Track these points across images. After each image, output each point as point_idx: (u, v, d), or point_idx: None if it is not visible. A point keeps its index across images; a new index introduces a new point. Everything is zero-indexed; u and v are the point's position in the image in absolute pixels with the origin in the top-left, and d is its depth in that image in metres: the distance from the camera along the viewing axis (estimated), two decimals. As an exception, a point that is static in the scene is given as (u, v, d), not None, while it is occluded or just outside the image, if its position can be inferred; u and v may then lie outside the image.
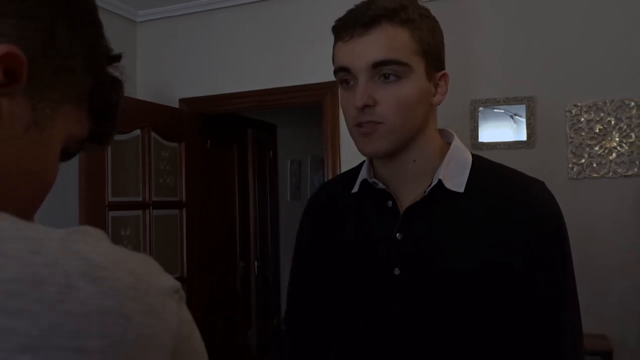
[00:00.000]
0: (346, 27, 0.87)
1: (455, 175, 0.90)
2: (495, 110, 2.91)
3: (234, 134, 4.00)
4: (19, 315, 0.23)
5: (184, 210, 3.17)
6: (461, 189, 0.89)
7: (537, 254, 0.84)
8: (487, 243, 0.84)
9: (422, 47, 0.87)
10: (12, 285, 0.23)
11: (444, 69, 0.93)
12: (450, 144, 0.94)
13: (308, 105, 3.26)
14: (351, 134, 0.91)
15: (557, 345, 0.85)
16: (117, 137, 2.81)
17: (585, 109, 2.76)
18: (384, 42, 0.85)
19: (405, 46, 0.86)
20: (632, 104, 2.69)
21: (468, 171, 0.91)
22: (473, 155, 0.95)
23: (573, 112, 2.78)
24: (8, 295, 0.23)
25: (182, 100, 3.34)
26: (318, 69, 2.84)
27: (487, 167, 0.93)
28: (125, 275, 0.28)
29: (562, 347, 0.86)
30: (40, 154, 0.37)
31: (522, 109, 2.85)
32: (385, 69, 0.85)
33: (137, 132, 2.90)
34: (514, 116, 2.89)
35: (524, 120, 2.84)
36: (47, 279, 0.24)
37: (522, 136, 2.84)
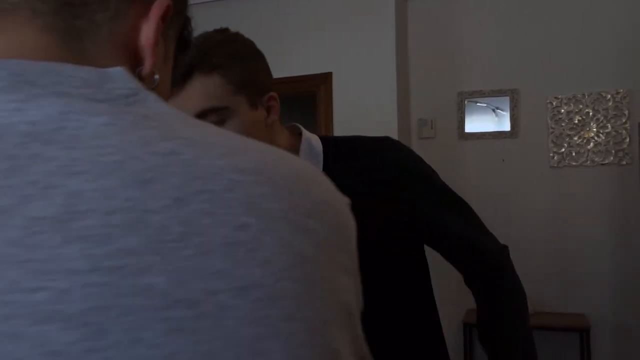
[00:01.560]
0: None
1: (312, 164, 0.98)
2: (478, 104, 3.05)
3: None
4: (281, 197, 0.33)
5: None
6: None
7: (405, 197, 0.95)
8: (362, 211, 0.95)
9: (238, 85, 0.91)
10: (277, 178, 0.33)
11: (270, 90, 0.96)
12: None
13: (301, 97, 3.37)
14: None
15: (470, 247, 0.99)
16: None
17: (565, 101, 2.91)
18: (199, 94, 0.89)
19: (221, 91, 0.89)
20: (609, 96, 2.84)
21: (321, 157, 0.98)
22: (321, 138, 1.01)
23: (554, 103, 2.93)
24: (274, 185, 0.33)
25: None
26: (310, 61, 2.95)
27: (335, 145, 1.01)
28: (322, 187, 0.37)
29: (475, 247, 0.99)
30: (169, 82, 0.46)
31: (505, 101, 2.99)
32: (210, 117, 0.89)
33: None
34: (495, 110, 3.03)
35: (505, 113, 2.99)
36: (289, 178, 0.34)
37: (506, 127, 2.98)
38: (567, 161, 2.89)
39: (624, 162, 2.82)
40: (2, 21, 0.34)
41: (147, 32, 0.38)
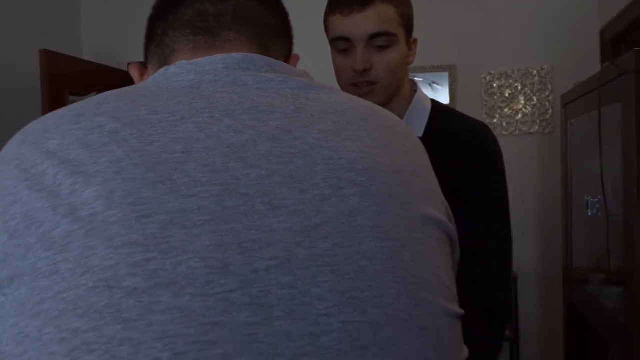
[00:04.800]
0: (346, 3, 1.04)
1: (416, 121, 1.09)
2: (416, 78, 3.30)
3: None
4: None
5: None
6: (420, 133, 1.06)
7: (476, 178, 1.03)
8: (444, 176, 1.03)
9: (403, 19, 1.06)
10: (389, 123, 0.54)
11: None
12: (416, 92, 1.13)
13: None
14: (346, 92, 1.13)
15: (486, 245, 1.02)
16: (76, 98, 2.93)
17: (497, 77, 3.21)
18: (377, 17, 1.02)
19: (393, 20, 1.04)
20: (535, 72, 3.17)
21: (427, 117, 1.09)
22: (432, 102, 1.13)
23: (487, 79, 3.23)
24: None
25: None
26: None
27: (443, 112, 1.12)
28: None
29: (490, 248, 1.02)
30: None
31: (443, 76, 3.26)
32: (379, 40, 1.03)
33: (94, 94, 3.03)
34: (432, 84, 3.30)
35: (440, 87, 3.26)
36: (398, 132, 0.54)
37: (446, 99, 3.26)
38: (499, 131, 3.21)
39: (547, 131, 3.17)
40: (229, 44, 0.56)
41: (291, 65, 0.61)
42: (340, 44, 1.07)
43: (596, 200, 1.85)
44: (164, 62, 0.57)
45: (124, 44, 3.46)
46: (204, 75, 0.50)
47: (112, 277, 0.38)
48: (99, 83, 3.06)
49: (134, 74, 0.63)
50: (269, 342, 0.39)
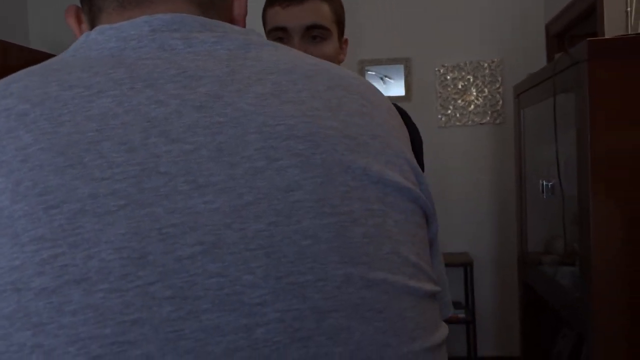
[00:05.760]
0: None
1: None
2: (369, 72, 3.36)
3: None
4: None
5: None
6: None
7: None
8: None
9: (336, 18, 1.15)
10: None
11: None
12: None
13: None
14: None
15: None
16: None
17: (450, 69, 3.31)
18: (313, 10, 1.11)
19: (327, 16, 1.13)
20: (486, 64, 3.29)
21: None
22: None
23: (441, 71, 3.32)
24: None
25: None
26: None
27: None
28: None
29: None
30: None
31: (399, 69, 3.34)
32: (315, 32, 1.12)
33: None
34: (383, 77, 3.36)
35: (392, 81, 3.34)
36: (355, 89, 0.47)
37: (401, 92, 3.34)
38: (452, 122, 3.31)
39: (498, 122, 3.30)
40: None
41: (239, 9, 0.54)
42: (278, 34, 1.15)
43: (551, 183, 1.95)
44: (92, 23, 0.51)
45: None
46: (127, 41, 0.44)
47: (19, 278, 0.35)
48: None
49: (71, 21, 0.55)
50: (196, 338, 0.36)
